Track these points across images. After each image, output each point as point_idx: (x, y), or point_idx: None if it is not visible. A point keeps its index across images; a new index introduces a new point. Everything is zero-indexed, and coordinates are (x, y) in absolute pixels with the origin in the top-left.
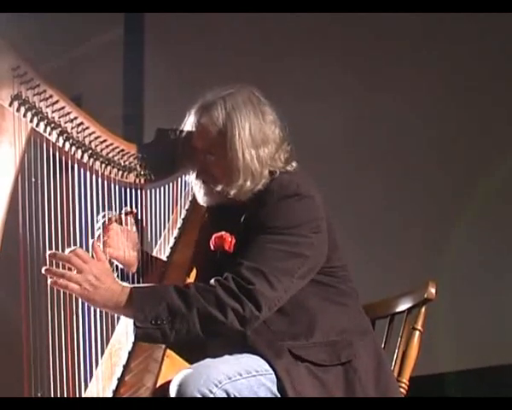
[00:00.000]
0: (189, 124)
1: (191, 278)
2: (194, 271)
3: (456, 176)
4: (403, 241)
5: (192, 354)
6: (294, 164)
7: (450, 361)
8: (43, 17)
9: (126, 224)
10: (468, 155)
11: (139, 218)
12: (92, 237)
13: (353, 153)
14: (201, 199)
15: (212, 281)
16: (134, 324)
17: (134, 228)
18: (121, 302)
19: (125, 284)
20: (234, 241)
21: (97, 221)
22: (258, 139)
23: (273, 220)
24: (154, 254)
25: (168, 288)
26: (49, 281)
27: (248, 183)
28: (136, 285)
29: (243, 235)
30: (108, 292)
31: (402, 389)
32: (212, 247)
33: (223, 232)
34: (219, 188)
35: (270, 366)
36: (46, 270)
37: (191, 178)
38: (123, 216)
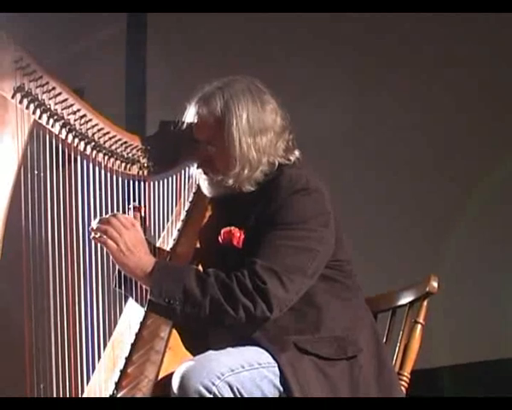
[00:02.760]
0: (189, 116)
1: None
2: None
3: (456, 175)
4: (403, 239)
5: (195, 344)
6: (297, 153)
7: (447, 355)
8: (46, 13)
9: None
10: (469, 155)
11: (144, 214)
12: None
13: (353, 153)
14: (207, 191)
15: (231, 274)
16: (149, 297)
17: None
18: (147, 273)
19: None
20: (242, 236)
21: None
22: (255, 127)
23: (283, 216)
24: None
25: (190, 270)
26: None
27: (246, 171)
28: (162, 260)
29: (253, 230)
30: (141, 261)
31: (403, 382)
32: (220, 241)
33: (232, 227)
34: (219, 178)
35: (274, 358)
36: (91, 228)
37: (195, 171)
38: (131, 212)
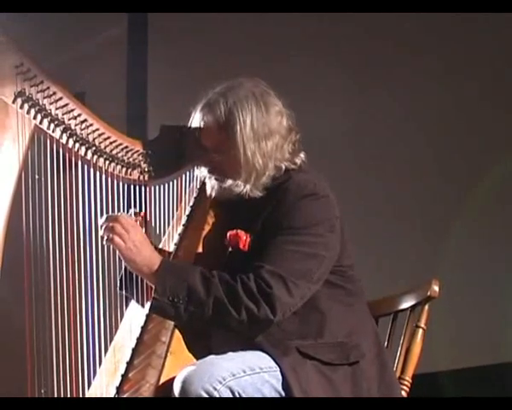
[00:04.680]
0: (194, 123)
1: None
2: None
3: (456, 175)
4: (403, 239)
5: (197, 347)
6: (303, 155)
7: (447, 360)
8: (47, 14)
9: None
10: (469, 155)
11: (146, 218)
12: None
13: (353, 153)
14: (216, 194)
15: (236, 276)
16: (153, 295)
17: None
18: (153, 270)
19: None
20: (249, 239)
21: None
22: (260, 133)
23: (291, 220)
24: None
25: (195, 270)
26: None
27: (252, 177)
28: (168, 259)
29: (259, 234)
30: (147, 258)
31: (405, 387)
32: (226, 244)
33: (238, 230)
34: (227, 185)
35: (276, 362)
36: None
37: (203, 173)
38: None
